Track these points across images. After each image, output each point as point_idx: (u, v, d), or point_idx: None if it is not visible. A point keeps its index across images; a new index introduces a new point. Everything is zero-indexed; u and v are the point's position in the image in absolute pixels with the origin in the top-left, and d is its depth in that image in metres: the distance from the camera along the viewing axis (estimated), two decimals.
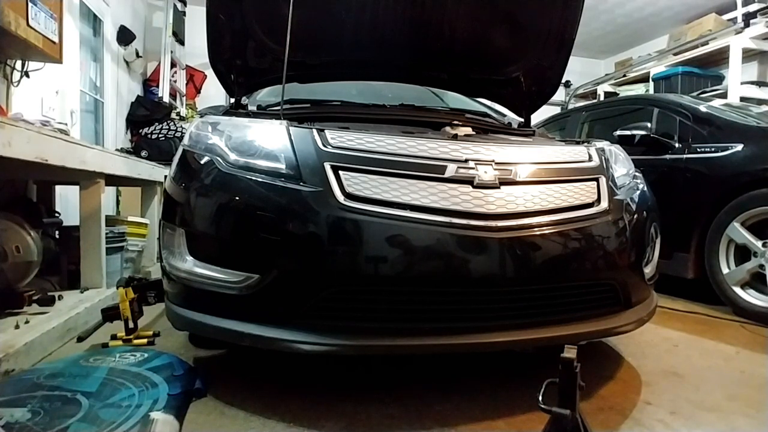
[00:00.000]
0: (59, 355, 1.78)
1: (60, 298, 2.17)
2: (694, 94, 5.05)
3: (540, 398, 1.01)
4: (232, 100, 2.25)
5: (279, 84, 1.98)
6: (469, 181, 1.40)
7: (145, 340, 1.90)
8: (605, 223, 1.49)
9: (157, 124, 5.18)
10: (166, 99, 5.25)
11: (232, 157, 1.46)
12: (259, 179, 1.39)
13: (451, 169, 1.41)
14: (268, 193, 1.37)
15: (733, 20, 5.35)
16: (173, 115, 5.50)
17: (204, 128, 1.60)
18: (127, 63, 5.27)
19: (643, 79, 6.29)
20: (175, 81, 5.69)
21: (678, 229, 2.73)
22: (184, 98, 5.97)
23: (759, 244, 2.39)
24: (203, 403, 1.40)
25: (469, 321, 1.36)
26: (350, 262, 1.30)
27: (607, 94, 6.81)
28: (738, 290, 2.49)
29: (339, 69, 2.44)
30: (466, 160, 1.45)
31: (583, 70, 7.36)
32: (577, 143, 1.92)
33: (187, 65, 6.04)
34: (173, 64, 5.51)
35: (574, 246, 1.44)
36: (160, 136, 5.08)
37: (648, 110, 3.22)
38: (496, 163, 1.47)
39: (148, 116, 5.29)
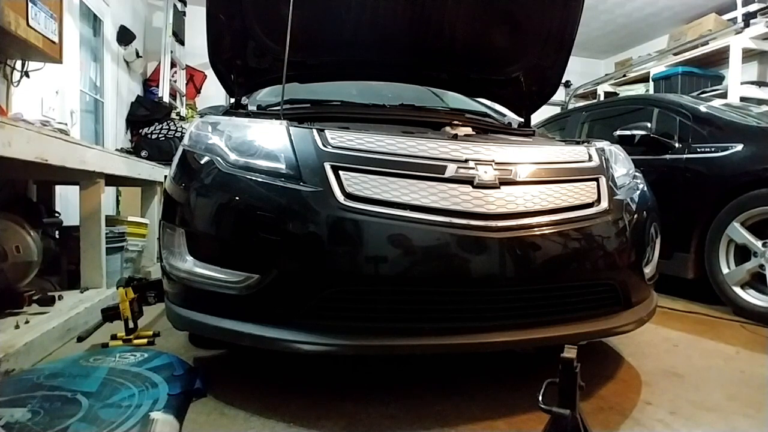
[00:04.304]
0: (59, 355, 1.78)
1: (60, 298, 2.17)
2: (694, 94, 5.05)
3: (540, 398, 1.01)
4: (232, 100, 2.25)
5: (279, 84, 1.98)
6: (469, 181, 1.40)
7: (145, 340, 1.90)
8: (605, 223, 1.49)
9: (157, 124, 5.18)
10: (166, 99, 5.25)
11: (232, 157, 1.46)
12: (259, 179, 1.39)
13: (451, 169, 1.41)
14: (268, 193, 1.37)
15: (733, 20, 5.35)
16: (173, 115, 5.50)
17: (204, 128, 1.60)
18: (127, 63, 5.27)
19: (643, 79, 6.29)
20: (175, 81, 5.68)
21: (678, 229, 2.73)
22: (184, 98, 5.96)
23: (759, 244, 2.39)
24: (203, 403, 1.40)
25: (469, 321, 1.36)
26: (350, 262, 1.30)
27: (607, 94, 6.80)
28: (738, 290, 2.49)
29: (339, 69, 2.44)
30: (466, 160, 1.45)
31: (583, 70, 7.36)
32: (577, 143, 1.92)
33: (187, 65, 6.04)
34: (173, 64, 5.51)
35: (574, 246, 1.44)
36: (160, 136, 5.08)
37: (648, 110, 3.22)
38: (496, 163, 1.47)
39: (148, 116, 5.29)
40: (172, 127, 5.14)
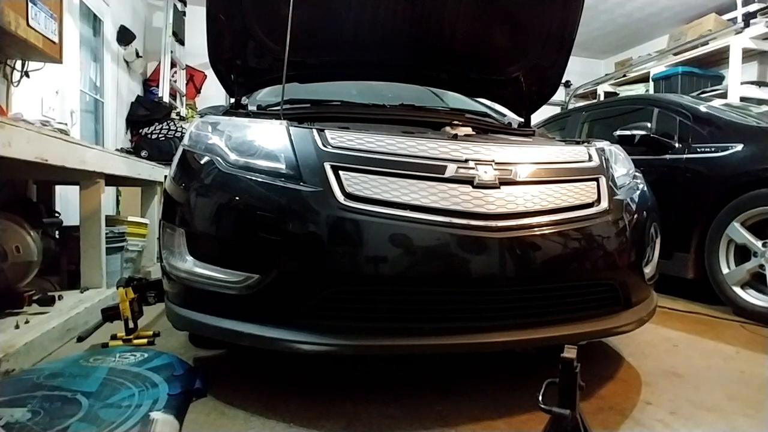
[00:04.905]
0: (59, 355, 1.78)
1: (60, 298, 2.17)
2: (694, 94, 5.05)
3: (540, 398, 1.01)
4: (232, 100, 2.25)
5: (279, 84, 1.98)
6: (469, 181, 1.40)
7: (145, 340, 1.90)
8: (605, 223, 1.49)
9: (157, 124, 5.18)
10: (166, 99, 5.25)
11: (232, 157, 1.46)
12: (259, 179, 1.39)
13: (451, 169, 1.41)
14: (268, 193, 1.37)
15: (733, 20, 5.35)
16: (173, 115, 5.50)
17: (204, 128, 1.60)
18: (127, 63, 5.27)
19: (643, 79, 6.29)
20: (175, 81, 5.68)
21: (678, 229, 2.73)
22: (184, 98, 5.97)
23: (759, 244, 2.39)
24: (203, 403, 1.40)
25: (469, 321, 1.36)
26: (350, 262, 1.30)
27: (607, 94, 6.80)
28: (738, 290, 2.49)
29: (339, 69, 2.44)
30: (466, 160, 1.45)
31: (583, 70, 7.36)
32: (577, 143, 1.92)
33: (187, 65, 6.04)
34: (173, 64, 5.51)
35: (574, 246, 1.43)
36: (160, 136, 5.08)
37: (648, 110, 3.22)
38: (496, 163, 1.47)
39: (148, 116, 5.29)
40: (172, 127, 5.14)
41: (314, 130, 1.51)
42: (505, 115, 2.66)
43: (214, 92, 5.86)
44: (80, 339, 1.91)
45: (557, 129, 4.08)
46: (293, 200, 1.34)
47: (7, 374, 1.51)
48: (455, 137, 1.75)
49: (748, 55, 5.21)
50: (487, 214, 1.35)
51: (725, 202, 2.55)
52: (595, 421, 1.31)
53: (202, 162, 1.49)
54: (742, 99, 4.88)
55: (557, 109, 5.93)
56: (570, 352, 1.02)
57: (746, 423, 1.37)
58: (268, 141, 1.49)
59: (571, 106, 6.37)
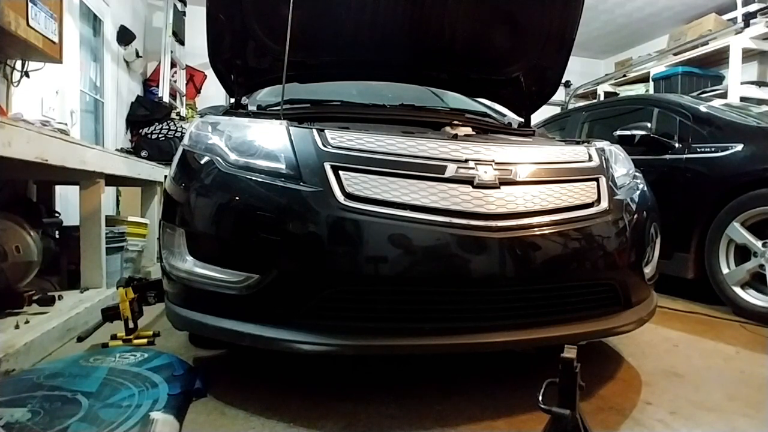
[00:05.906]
0: (59, 355, 1.78)
1: (60, 298, 2.17)
2: (694, 94, 5.05)
3: (540, 398, 1.01)
4: (232, 100, 2.25)
5: (279, 84, 1.98)
6: (469, 181, 1.40)
7: (145, 340, 1.90)
8: (605, 223, 1.49)
9: (157, 124, 5.18)
10: (166, 99, 5.25)
11: (232, 157, 1.46)
12: (259, 179, 1.39)
13: (451, 169, 1.41)
14: (268, 193, 1.37)
15: (733, 20, 5.35)
16: (173, 115, 5.49)
17: (204, 128, 1.60)
18: (127, 63, 5.27)
19: (643, 79, 6.29)
20: (175, 81, 5.68)
21: (678, 229, 2.73)
22: (184, 98, 5.96)
23: (759, 244, 2.39)
24: (203, 403, 1.40)
25: (469, 321, 1.36)
26: (350, 262, 1.30)
27: (607, 94, 6.80)
28: (738, 290, 2.49)
29: (339, 69, 2.44)
30: (466, 160, 1.45)
31: (583, 70, 7.36)
32: (577, 143, 1.92)
33: (187, 65, 6.04)
34: (173, 64, 5.51)
35: (574, 246, 1.43)
36: (160, 136, 5.08)
37: (648, 110, 3.22)
38: (496, 163, 1.47)
39: (148, 116, 5.29)
40: (172, 127, 5.14)
41: (314, 130, 1.51)
42: (505, 115, 2.66)
43: (214, 92, 5.86)
44: (80, 339, 1.91)
45: (557, 129, 4.08)
46: (293, 200, 1.34)
47: (7, 374, 1.51)
48: (455, 137, 1.75)
49: (748, 55, 5.20)
50: (487, 214, 1.35)
51: (725, 202, 2.55)
52: (595, 421, 1.31)
53: (202, 162, 1.49)
54: (742, 99, 4.88)
55: (557, 109, 5.93)
56: (570, 352, 1.02)
57: (746, 423, 1.37)
58: (268, 141, 1.49)
59: (571, 106, 6.37)
